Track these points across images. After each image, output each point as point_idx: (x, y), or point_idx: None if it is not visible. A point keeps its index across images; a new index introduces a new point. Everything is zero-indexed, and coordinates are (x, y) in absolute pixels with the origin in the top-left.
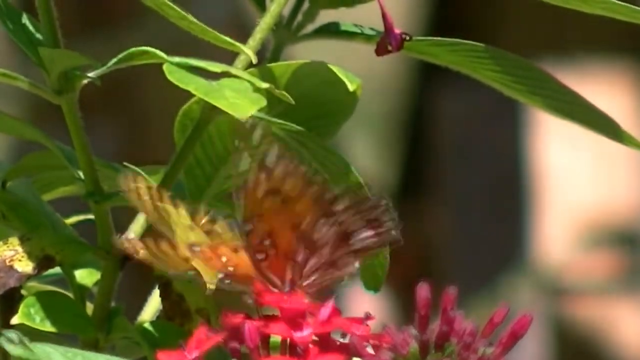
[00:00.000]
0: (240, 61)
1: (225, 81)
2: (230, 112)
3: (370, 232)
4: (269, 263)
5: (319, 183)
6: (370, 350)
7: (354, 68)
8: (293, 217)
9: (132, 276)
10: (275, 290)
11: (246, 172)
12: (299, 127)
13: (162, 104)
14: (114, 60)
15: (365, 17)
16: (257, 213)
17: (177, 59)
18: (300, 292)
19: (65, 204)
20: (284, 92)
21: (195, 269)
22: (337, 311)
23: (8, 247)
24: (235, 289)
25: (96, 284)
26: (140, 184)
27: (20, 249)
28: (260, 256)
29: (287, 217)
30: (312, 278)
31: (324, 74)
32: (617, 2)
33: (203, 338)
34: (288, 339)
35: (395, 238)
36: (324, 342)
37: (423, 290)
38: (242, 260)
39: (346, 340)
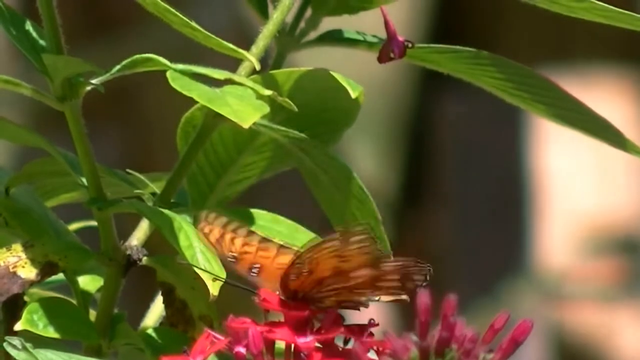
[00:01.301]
0: (244, 68)
1: (228, 88)
2: (233, 119)
3: (397, 284)
4: (297, 282)
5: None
6: (373, 356)
7: (356, 75)
8: (343, 271)
9: (135, 282)
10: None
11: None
12: (301, 134)
13: (165, 110)
14: (118, 67)
15: (368, 25)
16: (313, 264)
17: (180, 66)
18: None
19: (68, 211)
20: (287, 99)
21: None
22: (340, 317)
23: (11, 253)
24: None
25: (99, 290)
26: (213, 227)
27: (23, 256)
28: (293, 277)
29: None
30: (326, 294)
31: (326, 81)
32: (618, 10)
33: (207, 343)
34: (292, 345)
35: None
36: (328, 348)
37: (423, 296)
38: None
39: (349, 347)
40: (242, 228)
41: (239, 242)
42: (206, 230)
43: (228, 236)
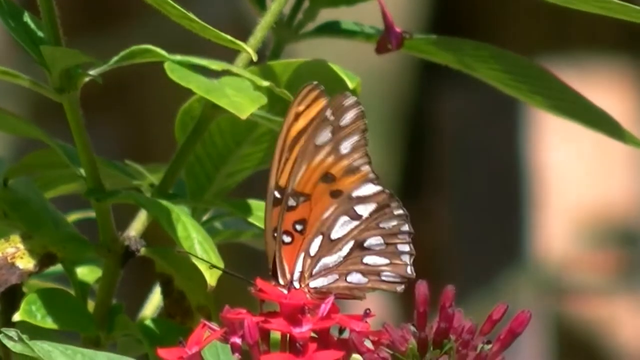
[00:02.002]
0: (241, 59)
1: (226, 79)
2: (231, 110)
3: (385, 261)
4: (290, 248)
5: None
6: (369, 346)
7: (355, 66)
8: (327, 205)
9: (133, 274)
10: (280, 283)
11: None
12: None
13: (163, 102)
14: (116, 58)
15: (366, 16)
16: (307, 193)
17: (178, 57)
18: (303, 291)
19: (66, 202)
20: (285, 91)
21: None
22: (336, 307)
23: (10, 244)
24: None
25: (97, 281)
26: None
27: (21, 247)
28: (287, 239)
29: (323, 205)
30: (320, 281)
31: (324, 72)
32: (616, 1)
33: (202, 334)
34: (287, 335)
35: (406, 276)
36: (323, 338)
37: (422, 288)
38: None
39: (345, 336)
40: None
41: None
42: (300, 108)
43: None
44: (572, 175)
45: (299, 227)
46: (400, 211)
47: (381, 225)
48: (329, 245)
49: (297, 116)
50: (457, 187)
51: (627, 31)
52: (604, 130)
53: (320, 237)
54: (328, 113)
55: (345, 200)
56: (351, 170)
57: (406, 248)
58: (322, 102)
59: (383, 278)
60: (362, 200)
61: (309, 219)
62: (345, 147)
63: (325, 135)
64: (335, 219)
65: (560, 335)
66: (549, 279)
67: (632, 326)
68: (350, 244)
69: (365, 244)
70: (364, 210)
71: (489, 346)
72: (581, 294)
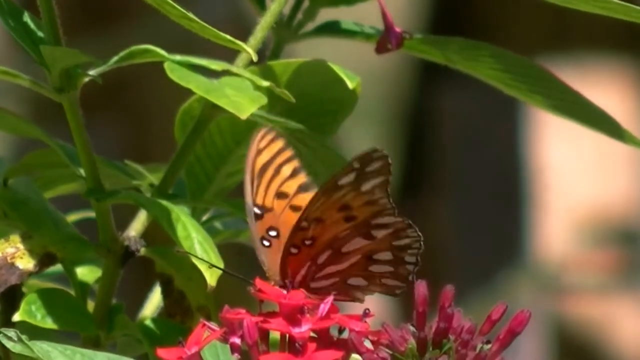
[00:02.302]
0: (241, 59)
1: (226, 79)
2: (230, 110)
3: (389, 269)
4: (295, 258)
5: (383, 209)
6: (368, 346)
7: (355, 66)
8: (341, 229)
9: (133, 274)
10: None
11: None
12: (299, 125)
13: (163, 102)
14: (115, 58)
15: (366, 16)
16: (319, 218)
17: (178, 57)
18: (302, 291)
19: (66, 202)
20: (285, 91)
21: None
22: (335, 307)
23: (9, 244)
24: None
25: (97, 281)
26: (267, 146)
27: (21, 247)
28: (294, 250)
29: (337, 229)
30: (321, 283)
31: (324, 73)
32: (616, 1)
33: (202, 334)
34: (287, 335)
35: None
36: (323, 338)
37: (421, 287)
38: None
39: (344, 336)
40: (288, 163)
41: (275, 184)
42: (261, 145)
43: (270, 170)
44: (572, 174)
45: (307, 242)
46: (415, 234)
47: (393, 243)
48: (338, 257)
49: (260, 151)
50: (456, 186)
51: (627, 31)
52: (603, 130)
53: (329, 251)
54: (354, 162)
55: (362, 225)
56: (370, 203)
57: (412, 259)
58: (280, 143)
59: (383, 282)
60: (381, 226)
61: (319, 237)
62: (366, 186)
63: (348, 178)
64: (347, 238)
65: (559, 335)
66: (548, 278)
67: (631, 326)
68: (359, 256)
69: (374, 257)
70: (380, 234)
71: (489, 346)
72: (581, 293)
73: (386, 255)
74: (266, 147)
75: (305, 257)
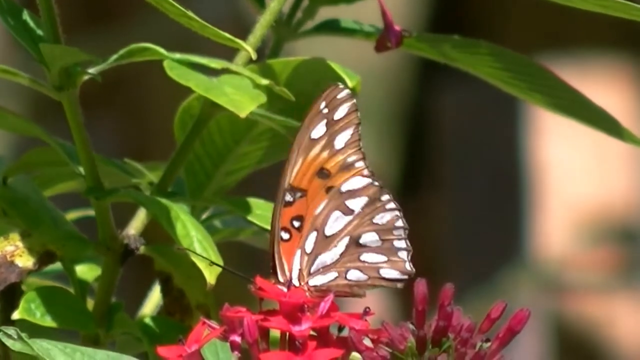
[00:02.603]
0: (241, 58)
1: (225, 78)
2: (230, 108)
3: (382, 258)
4: (288, 245)
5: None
6: (368, 344)
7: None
8: (321, 201)
9: (132, 272)
10: (280, 281)
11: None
12: (298, 123)
13: (163, 100)
14: (115, 56)
15: (365, 14)
16: (303, 188)
17: (177, 56)
18: (302, 289)
19: (66, 200)
20: (284, 89)
21: None
22: (335, 306)
23: (9, 242)
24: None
25: (97, 279)
26: None
27: (21, 245)
28: (285, 235)
29: (318, 201)
30: (319, 279)
31: (323, 71)
32: None
33: (202, 332)
34: (287, 333)
35: (406, 272)
36: (323, 337)
37: (421, 286)
38: None
39: (344, 334)
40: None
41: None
42: (323, 106)
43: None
44: (571, 173)
45: (296, 224)
46: (392, 205)
47: (375, 220)
48: (324, 241)
49: (318, 115)
50: (456, 185)
51: (627, 29)
52: (602, 128)
53: (314, 233)
54: (322, 105)
55: (337, 195)
56: (346, 167)
57: (402, 244)
58: (348, 106)
59: (383, 275)
60: (353, 194)
61: (306, 215)
62: (339, 142)
63: (320, 129)
64: (327, 214)
65: (559, 334)
66: (548, 277)
67: (631, 324)
68: (346, 240)
69: (361, 241)
70: (356, 204)
71: (488, 344)
72: (580, 292)
73: (372, 237)
74: (329, 109)
75: (295, 243)
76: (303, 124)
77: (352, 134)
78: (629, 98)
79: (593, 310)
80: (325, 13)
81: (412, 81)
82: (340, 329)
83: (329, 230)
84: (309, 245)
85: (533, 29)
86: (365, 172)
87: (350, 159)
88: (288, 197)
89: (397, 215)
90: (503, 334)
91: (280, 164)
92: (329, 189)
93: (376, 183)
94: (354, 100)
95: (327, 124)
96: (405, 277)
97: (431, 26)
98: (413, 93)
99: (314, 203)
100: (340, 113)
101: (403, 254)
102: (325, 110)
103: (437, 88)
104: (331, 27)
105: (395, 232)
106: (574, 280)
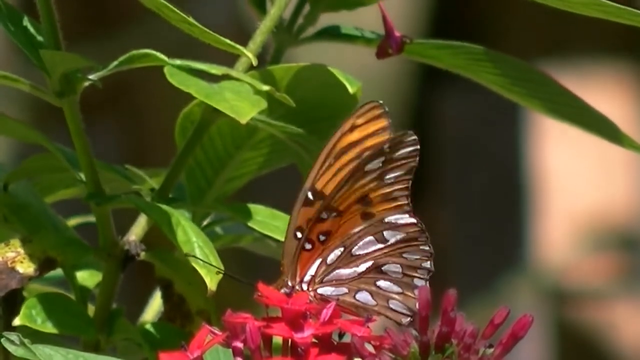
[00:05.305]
0: (241, 64)
1: (226, 84)
2: (231, 114)
3: (397, 289)
4: (307, 254)
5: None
6: (371, 350)
7: (355, 70)
8: (356, 225)
9: (133, 278)
10: (288, 286)
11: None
12: (299, 130)
13: (164, 106)
14: (115, 62)
15: (366, 21)
16: (338, 209)
17: (178, 62)
18: (305, 295)
19: (66, 206)
20: (285, 95)
21: None
22: (338, 312)
23: (10, 248)
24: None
25: (97, 285)
26: None
27: (22, 251)
28: (308, 246)
29: (352, 225)
30: (328, 290)
31: (324, 77)
32: (616, 5)
33: (204, 338)
34: (289, 340)
35: (414, 310)
36: (325, 343)
37: (423, 292)
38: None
39: (346, 340)
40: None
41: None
42: (358, 121)
43: (352, 153)
44: (572, 179)
45: (322, 238)
46: (426, 247)
47: (404, 255)
48: (348, 259)
49: (353, 128)
50: (457, 191)
51: (627, 35)
52: (603, 134)
53: (341, 249)
54: (385, 145)
55: (376, 224)
56: (389, 199)
57: (422, 284)
58: (383, 122)
59: (391, 305)
60: (393, 226)
61: (335, 232)
62: (390, 177)
63: (376, 164)
64: (361, 236)
65: (560, 340)
66: (549, 283)
67: (632, 330)
68: (369, 263)
69: (383, 268)
70: (392, 236)
71: (491, 350)
72: (582, 298)
73: (395, 268)
74: (362, 125)
75: (316, 253)
76: (341, 130)
77: (404, 174)
78: (630, 104)
79: (594, 317)
80: (326, 19)
81: (413, 87)
82: (342, 335)
83: (357, 250)
84: (331, 258)
85: (534, 35)
86: (407, 207)
87: (395, 194)
88: (324, 215)
89: (427, 257)
90: (506, 339)
91: (280, 171)
92: (365, 214)
93: (420, 225)
94: (418, 147)
95: (384, 161)
96: (412, 314)
97: (431, 33)
98: (414, 99)
99: (347, 224)
100: (401, 154)
101: (424, 272)
102: (387, 150)
103: (439, 94)
104: (332, 33)
105: (419, 272)
106: (575, 287)
